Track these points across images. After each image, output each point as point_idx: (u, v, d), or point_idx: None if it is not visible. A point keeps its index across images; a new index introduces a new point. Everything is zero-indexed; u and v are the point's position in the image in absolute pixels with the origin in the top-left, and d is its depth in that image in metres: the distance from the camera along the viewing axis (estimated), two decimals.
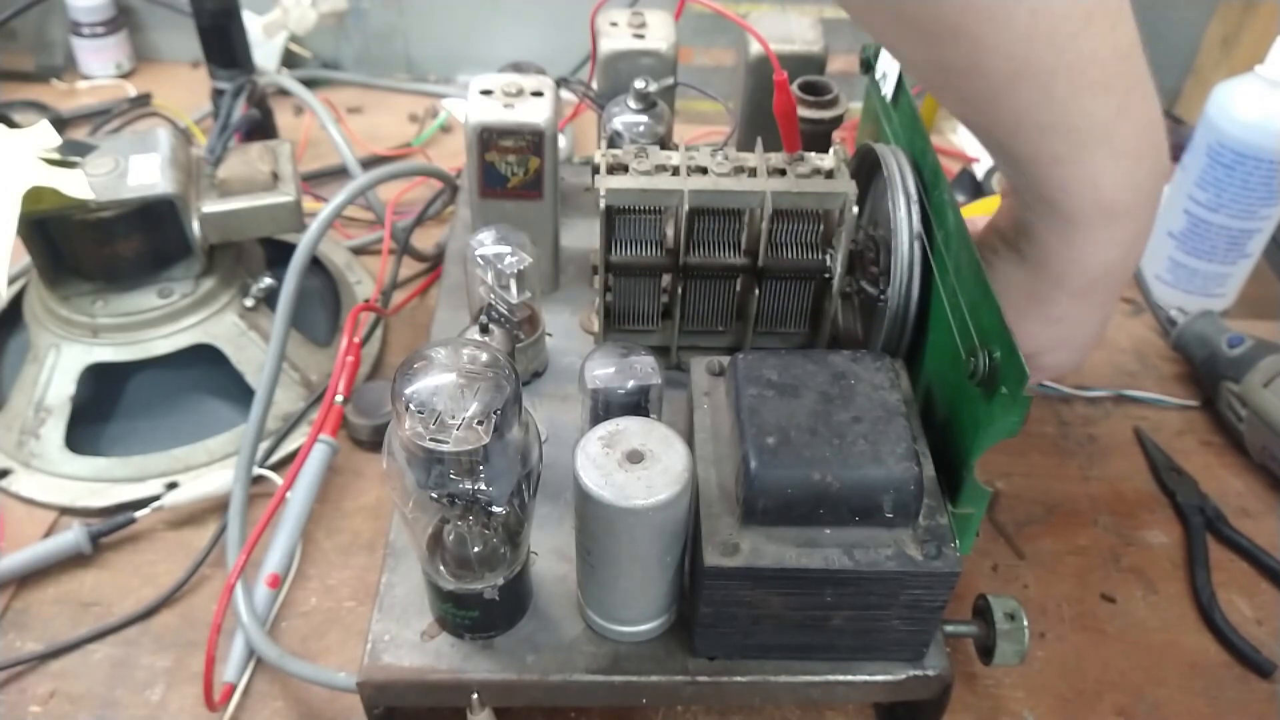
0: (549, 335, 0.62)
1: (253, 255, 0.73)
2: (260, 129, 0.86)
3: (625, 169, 0.55)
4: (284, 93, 0.93)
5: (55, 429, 0.64)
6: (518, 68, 0.79)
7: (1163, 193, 0.44)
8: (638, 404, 0.49)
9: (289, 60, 1.04)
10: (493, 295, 0.56)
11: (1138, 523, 0.64)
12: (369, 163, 0.89)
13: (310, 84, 0.96)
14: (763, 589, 0.44)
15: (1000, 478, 0.66)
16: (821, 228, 0.56)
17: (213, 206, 0.67)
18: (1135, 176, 0.42)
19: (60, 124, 0.92)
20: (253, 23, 0.94)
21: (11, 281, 0.73)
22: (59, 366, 0.65)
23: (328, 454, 0.62)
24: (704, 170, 0.55)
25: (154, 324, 0.66)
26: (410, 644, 0.47)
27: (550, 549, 0.51)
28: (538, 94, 0.62)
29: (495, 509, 0.42)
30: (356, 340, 0.68)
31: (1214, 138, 0.72)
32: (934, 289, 0.51)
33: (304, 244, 0.66)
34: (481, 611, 0.46)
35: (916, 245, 0.52)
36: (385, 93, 1.05)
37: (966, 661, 0.54)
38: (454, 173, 0.82)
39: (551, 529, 0.52)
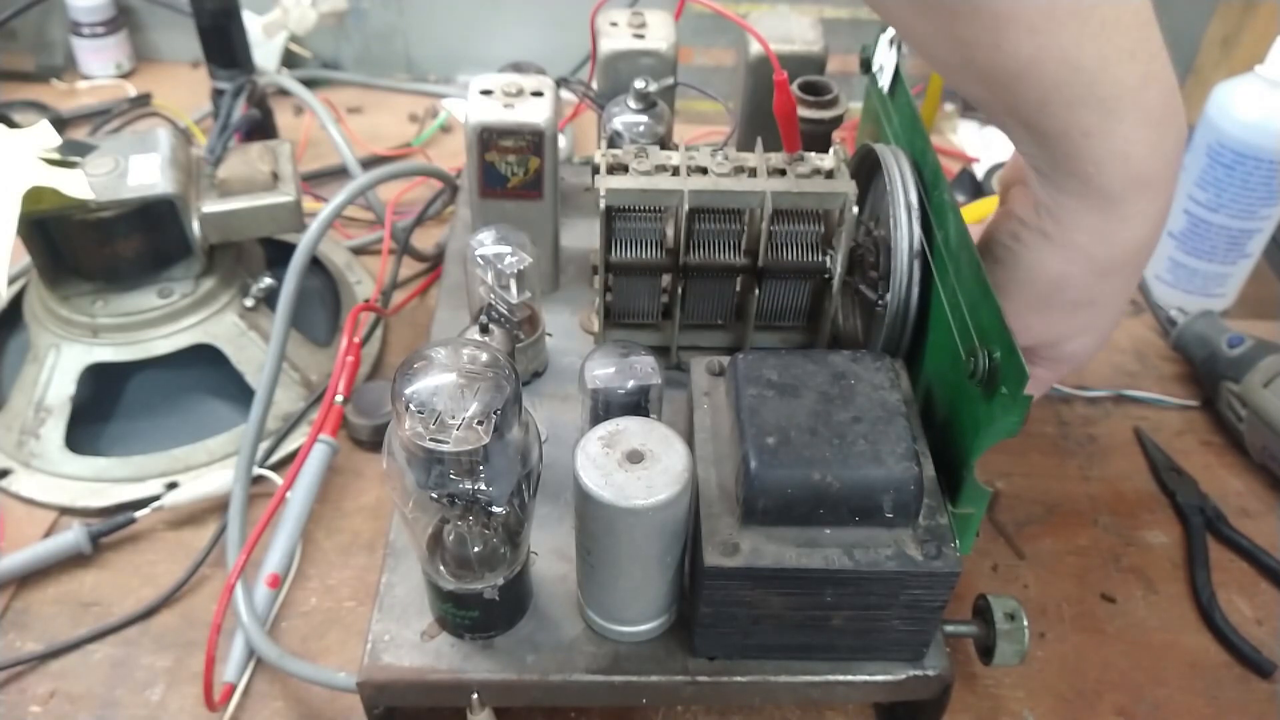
0: (549, 335, 0.62)
1: (253, 255, 0.73)
2: (260, 129, 0.86)
3: (625, 169, 0.55)
4: (284, 93, 0.93)
5: (55, 429, 0.64)
6: (518, 68, 0.79)
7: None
8: (638, 404, 0.49)
9: (289, 60, 1.04)
10: (493, 295, 0.56)
11: (1138, 523, 0.64)
12: (369, 163, 0.89)
13: (310, 84, 0.96)
14: (763, 589, 0.44)
15: (1000, 478, 0.66)
16: (821, 228, 0.56)
17: (213, 206, 0.67)
18: (1163, 145, 0.42)
19: (60, 124, 0.92)
20: (253, 23, 0.94)
21: (11, 281, 0.73)
22: (59, 366, 0.65)
23: (328, 454, 0.62)
24: (704, 170, 0.55)
25: (154, 324, 0.66)
26: (410, 644, 0.47)
27: (550, 549, 0.51)
28: (538, 94, 0.62)
29: (495, 509, 0.42)
30: (356, 340, 0.68)
31: (1214, 138, 0.72)
32: (934, 289, 0.51)
33: (304, 244, 0.66)
34: (481, 611, 0.46)
35: (916, 262, 0.52)
36: (385, 93, 1.05)
37: (966, 661, 0.54)
38: (454, 173, 0.82)
39: (551, 529, 0.52)
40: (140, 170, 0.65)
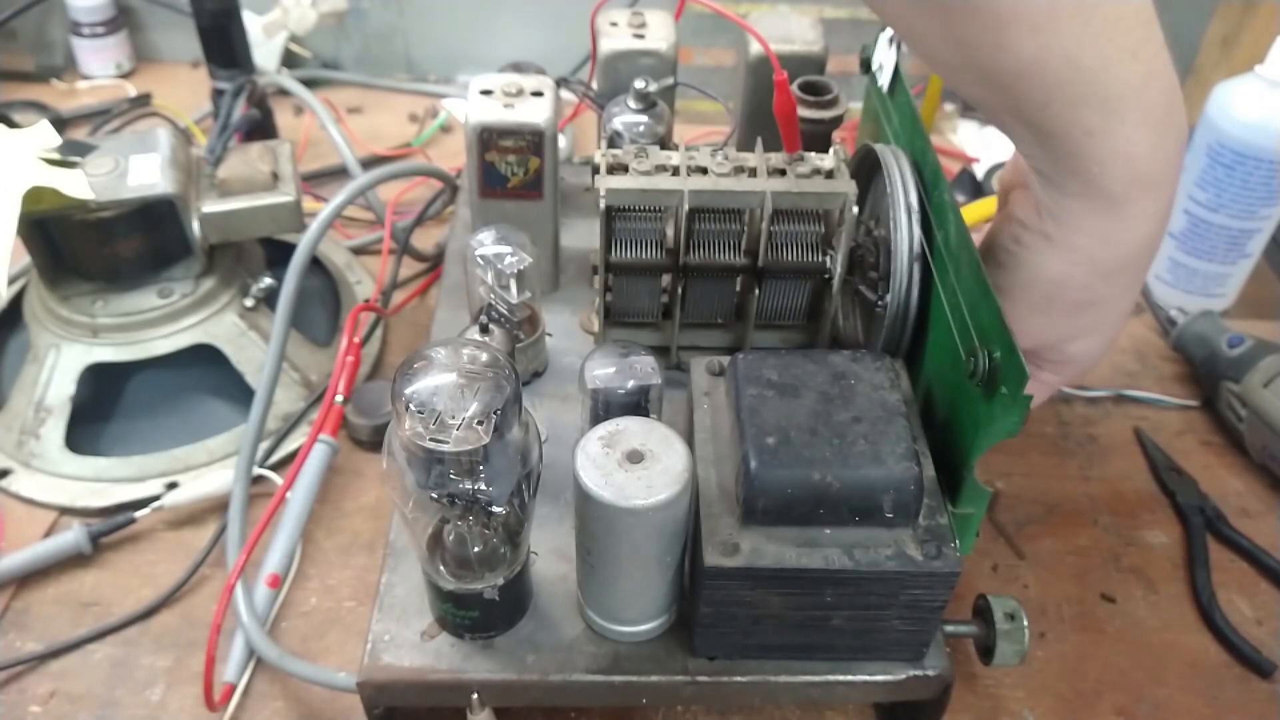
0: (549, 335, 0.62)
1: (253, 255, 0.73)
2: (260, 129, 0.86)
3: (625, 169, 0.55)
4: (284, 93, 0.93)
5: (55, 429, 0.64)
6: (518, 68, 0.79)
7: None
8: (638, 404, 0.49)
9: (289, 60, 1.04)
10: (493, 295, 0.56)
11: (1138, 523, 0.64)
12: (369, 163, 0.89)
13: (310, 84, 0.96)
14: (763, 589, 0.44)
15: (1000, 478, 0.66)
16: (821, 228, 0.56)
17: (213, 206, 0.67)
18: (1165, 145, 0.41)
19: (60, 124, 0.92)
20: (253, 23, 0.94)
21: (11, 281, 0.73)
22: (59, 366, 0.65)
23: (328, 454, 0.62)
24: (704, 170, 0.55)
25: (154, 324, 0.66)
26: (410, 644, 0.47)
27: (550, 549, 0.51)
28: (538, 94, 0.62)
29: (495, 509, 0.42)
30: (356, 340, 0.68)
31: (1214, 138, 0.72)
32: (934, 289, 0.51)
33: (304, 244, 0.66)
34: (481, 611, 0.46)
35: (916, 263, 0.52)
36: (385, 93, 1.05)
37: (966, 661, 0.54)
38: (454, 173, 0.82)
39: (551, 529, 0.52)
40: (140, 170, 0.65)
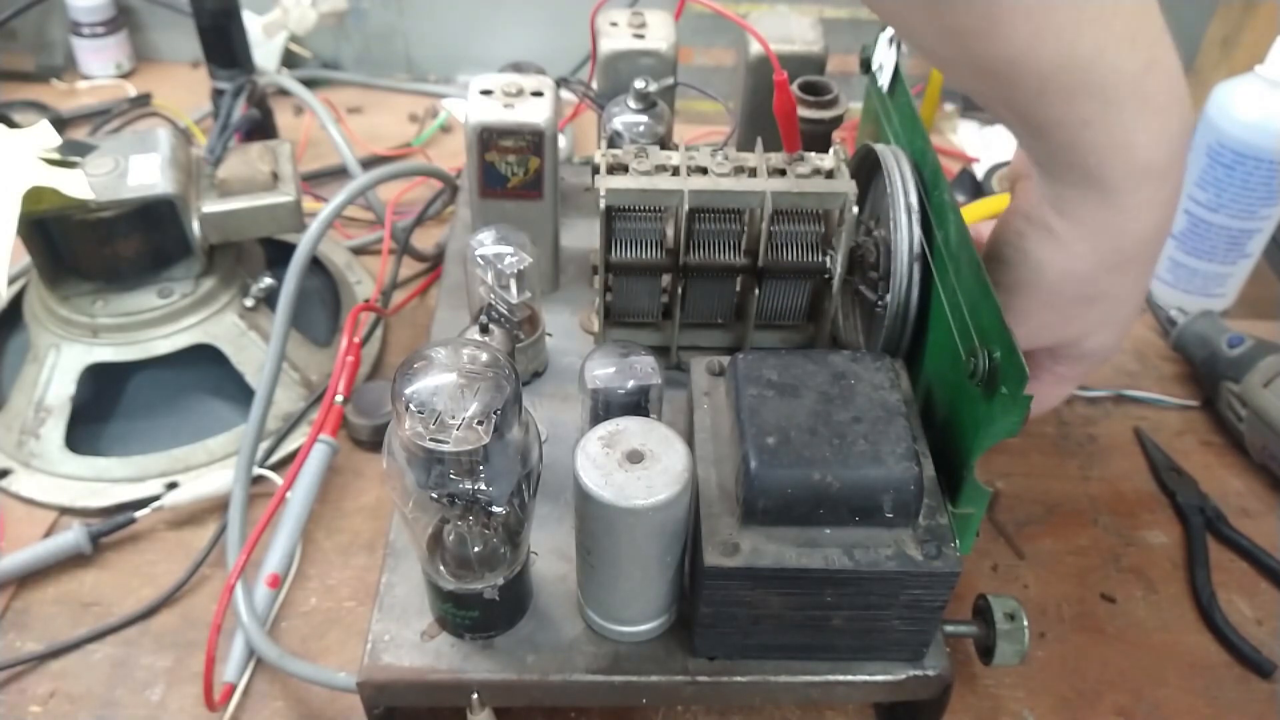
0: (549, 335, 0.62)
1: (253, 255, 0.73)
2: (260, 129, 0.86)
3: (625, 169, 0.55)
4: (284, 93, 0.93)
5: (55, 429, 0.64)
6: (518, 68, 0.79)
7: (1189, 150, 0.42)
8: (638, 404, 0.49)
9: (289, 60, 1.04)
10: (493, 295, 0.56)
11: (1138, 523, 0.64)
12: (369, 163, 0.89)
13: (310, 84, 0.96)
14: (763, 589, 0.44)
15: (1000, 478, 0.66)
16: (821, 228, 0.56)
17: (213, 206, 0.67)
18: (1166, 133, 0.40)
19: (60, 124, 0.92)
20: (253, 23, 0.94)
21: (11, 281, 0.73)
22: (59, 366, 0.65)
23: (328, 454, 0.62)
24: (704, 170, 0.55)
25: (154, 324, 0.66)
26: (410, 644, 0.47)
27: (550, 549, 0.51)
28: (538, 94, 0.62)
29: (495, 509, 0.42)
30: (356, 340, 0.68)
31: (1214, 138, 0.72)
32: (934, 289, 0.51)
33: (304, 244, 0.66)
34: (481, 611, 0.46)
35: (916, 263, 0.52)
36: (385, 93, 1.05)
37: (966, 661, 0.54)
38: (454, 173, 0.82)
39: (551, 529, 0.52)
40: (140, 170, 0.65)
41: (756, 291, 0.57)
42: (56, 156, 0.64)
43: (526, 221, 0.62)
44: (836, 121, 0.65)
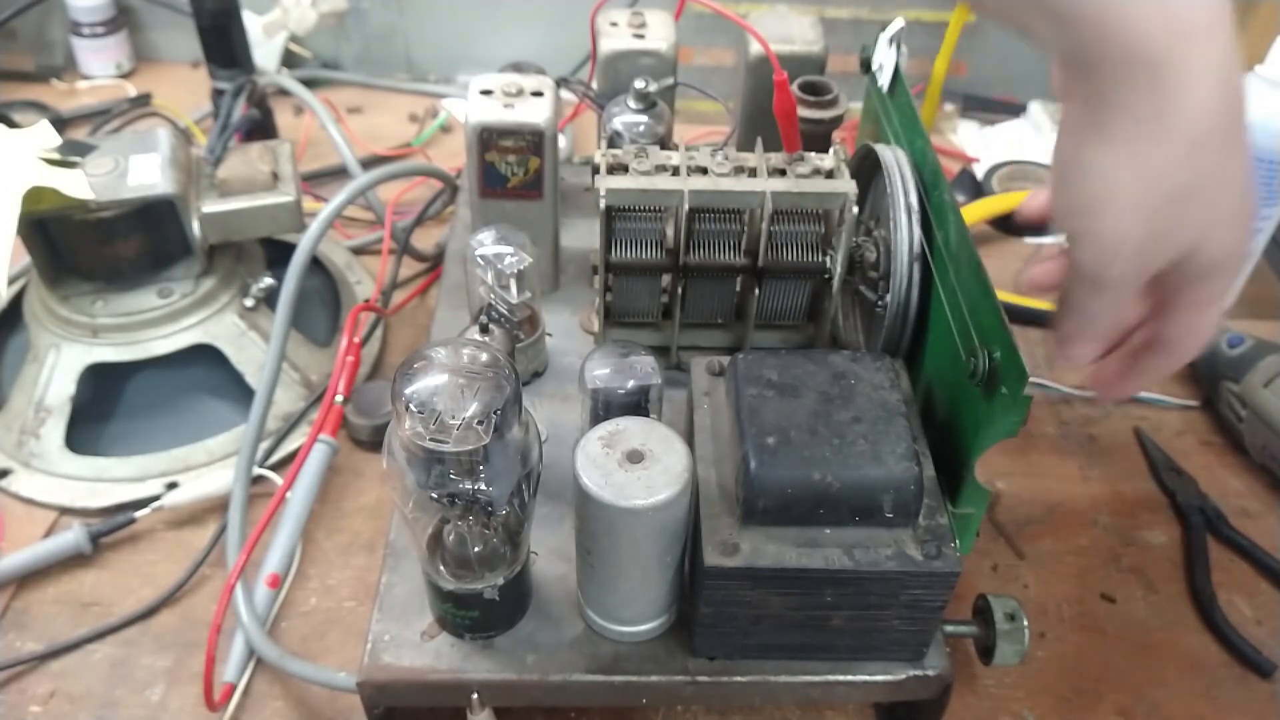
0: (549, 335, 0.62)
1: (253, 255, 0.73)
2: (260, 129, 0.86)
3: (625, 169, 0.55)
4: (284, 93, 0.93)
5: (55, 429, 0.64)
6: (518, 68, 0.79)
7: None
8: (638, 404, 0.49)
9: (289, 60, 1.04)
10: (493, 295, 0.56)
11: (1138, 523, 0.64)
12: (369, 163, 0.89)
13: (310, 84, 0.96)
14: (763, 589, 0.44)
15: (1000, 478, 0.66)
16: (821, 228, 0.56)
17: (213, 206, 0.67)
18: None
19: (60, 124, 0.92)
20: (253, 23, 0.95)
21: (11, 281, 0.73)
22: (59, 366, 0.65)
23: (328, 454, 0.62)
24: (704, 170, 0.55)
25: (154, 324, 0.66)
26: (410, 644, 0.47)
27: (550, 549, 0.51)
28: (538, 94, 0.62)
29: (495, 509, 0.42)
30: (356, 340, 0.68)
31: None
32: (934, 289, 0.51)
33: (304, 244, 0.66)
34: (481, 611, 0.46)
35: (916, 265, 0.52)
36: (385, 93, 1.05)
37: (966, 661, 0.54)
38: (454, 173, 0.82)
39: (551, 529, 0.52)
40: (140, 170, 0.65)
41: (756, 291, 0.57)
42: (56, 156, 0.64)
43: (526, 221, 0.62)
44: (836, 121, 0.65)
